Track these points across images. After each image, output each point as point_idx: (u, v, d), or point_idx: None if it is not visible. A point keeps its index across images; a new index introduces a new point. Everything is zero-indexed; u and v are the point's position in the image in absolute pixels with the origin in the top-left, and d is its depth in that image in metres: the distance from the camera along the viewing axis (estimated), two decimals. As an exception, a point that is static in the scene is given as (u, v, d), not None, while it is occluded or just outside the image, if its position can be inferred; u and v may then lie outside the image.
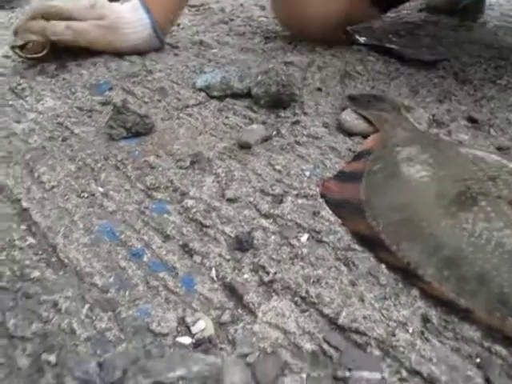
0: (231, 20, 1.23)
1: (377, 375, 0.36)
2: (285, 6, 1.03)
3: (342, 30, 1.07)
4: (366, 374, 0.37)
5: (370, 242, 0.47)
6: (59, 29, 0.85)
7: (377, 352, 0.39)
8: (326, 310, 0.42)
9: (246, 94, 0.76)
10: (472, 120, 0.74)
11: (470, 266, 0.41)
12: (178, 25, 1.17)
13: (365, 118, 0.66)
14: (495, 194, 0.45)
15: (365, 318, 0.41)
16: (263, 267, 0.46)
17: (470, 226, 0.43)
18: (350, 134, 0.67)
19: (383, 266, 0.46)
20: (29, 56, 0.87)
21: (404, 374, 0.37)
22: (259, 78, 0.72)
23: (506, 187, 0.46)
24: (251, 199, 0.54)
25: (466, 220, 0.43)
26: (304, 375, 0.38)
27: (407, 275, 0.44)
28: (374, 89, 0.82)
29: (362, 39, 1.07)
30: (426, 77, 0.88)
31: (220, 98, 0.77)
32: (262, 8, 1.36)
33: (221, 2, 1.42)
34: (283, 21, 1.08)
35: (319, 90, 0.81)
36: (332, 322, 0.41)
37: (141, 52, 0.94)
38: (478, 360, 0.38)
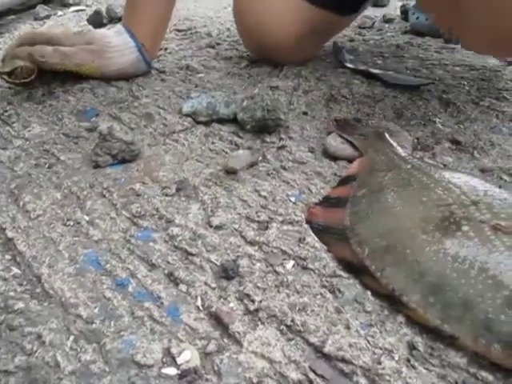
0: (218, 44, 1.24)
1: None
2: (245, 31, 1.04)
3: (317, 46, 1.09)
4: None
5: (355, 269, 0.47)
6: (47, 51, 0.85)
7: (363, 381, 0.39)
8: (312, 339, 0.42)
9: (232, 120, 0.76)
10: (456, 142, 0.75)
11: (455, 292, 0.41)
12: (165, 49, 1.19)
13: (350, 142, 0.67)
14: (478, 218, 0.46)
15: (351, 345, 0.41)
16: (248, 295, 0.46)
17: (453, 251, 0.43)
18: (335, 158, 0.67)
19: (369, 292, 0.46)
20: (17, 82, 0.88)
21: (392, 402, 0.37)
22: (245, 103, 0.72)
23: (488, 211, 0.47)
24: (236, 226, 0.54)
25: (450, 246, 0.44)
26: (291, 406, 0.38)
27: (392, 302, 0.44)
28: (359, 112, 0.83)
29: (348, 58, 1.09)
30: (410, 99, 0.90)
31: (206, 124, 0.77)
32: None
33: (207, 27, 1.44)
34: (251, 49, 1.09)
35: (305, 114, 0.82)
36: (318, 351, 0.41)
37: (128, 76, 0.94)
38: (463, 387, 0.38)
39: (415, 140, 0.73)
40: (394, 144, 0.64)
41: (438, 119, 0.83)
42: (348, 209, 0.53)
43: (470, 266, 0.42)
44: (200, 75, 1.00)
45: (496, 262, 0.42)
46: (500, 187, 0.53)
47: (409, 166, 0.57)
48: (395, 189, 0.53)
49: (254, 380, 0.39)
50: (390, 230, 0.48)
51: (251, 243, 0.52)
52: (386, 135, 0.66)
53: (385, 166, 0.58)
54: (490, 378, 0.39)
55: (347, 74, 1.01)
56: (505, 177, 0.66)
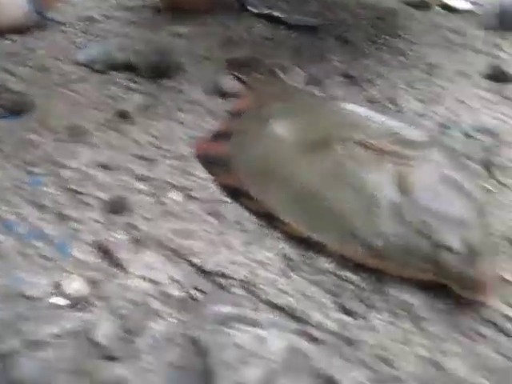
0: (121, -6, 1.20)
1: (236, 310, 0.39)
2: None
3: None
4: (228, 308, 0.39)
5: (237, 193, 0.50)
6: None
7: (240, 292, 0.42)
8: (195, 260, 0.45)
9: (129, 66, 0.76)
10: (348, 76, 0.79)
11: (322, 205, 0.45)
12: (67, 2, 1.15)
13: (242, 80, 0.69)
14: (348, 137, 0.49)
15: (231, 263, 0.45)
16: (135, 226, 0.48)
17: (323, 168, 0.47)
18: (228, 96, 0.69)
19: (249, 214, 0.49)
20: None
21: (262, 307, 0.41)
22: (139, 48, 0.72)
23: (363, 133, 0.50)
24: (127, 165, 0.56)
25: (321, 163, 0.47)
26: (172, 319, 0.40)
27: (270, 220, 0.47)
28: (257, 53, 0.84)
29: (252, 2, 1.09)
30: (309, 40, 0.92)
31: (103, 72, 0.77)
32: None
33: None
34: None
35: (205, 58, 0.82)
36: (200, 270, 0.44)
37: (22, 30, 0.91)
38: (332, 288, 0.42)
39: (308, 76, 0.76)
40: (285, 79, 0.66)
41: (334, 57, 0.85)
42: (233, 139, 0.55)
43: (336, 180, 0.45)
44: (101, 25, 0.98)
45: (360, 176, 0.45)
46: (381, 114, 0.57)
47: (295, 97, 0.60)
48: (279, 118, 0.56)
49: (139, 301, 0.41)
50: (268, 153, 0.51)
51: (141, 179, 0.54)
52: (277, 71, 0.69)
53: (272, 98, 0.61)
54: (355, 278, 0.43)
55: (250, 18, 1.01)
56: (389, 105, 0.70)
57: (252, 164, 0.50)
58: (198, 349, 0.35)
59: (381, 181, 0.44)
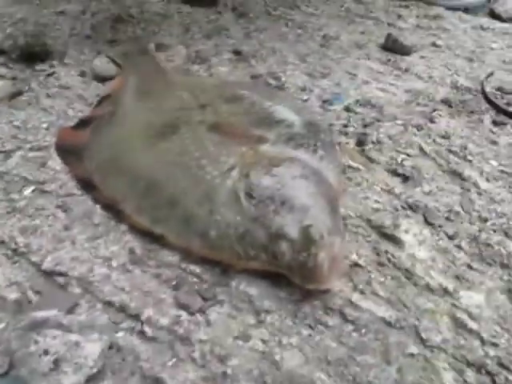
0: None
1: (54, 312, 0.37)
2: None
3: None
4: (53, 312, 0.37)
5: (86, 185, 0.47)
6: None
7: (77, 290, 0.40)
8: (34, 258, 0.42)
9: (1, 50, 0.71)
10: (237, 53, 0.76)
11: (162, 193, 0.42)
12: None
13: (115, 61, 0.66)
14: (198, 120, 0.47)
15: (73, 259, 0.42)
16: (-23, 226, 0.45)
17: (165, 154, 0.44)
18: (103, 79, 0.66)
19: (98, 206, 0.46)
20: None
21: (99, 306, 0.39)
22: (8, 30, 0.68)
23: (212, 113, 0.48)
24: (-22, 159, 0.52)
25: (163, 149, 0.45)
26: (3, 325, 0.38)
27: (115, 212, 0.45)
28: (144, 31, 0.81)
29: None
30: (203, 14, 0.89)
31: (-26, 57, 0.72)
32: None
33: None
34: None
35: (88, 37, 0.78)
36: (39, 269, 0.42)
37: None
38: (174, 282, 0.41)
39: (192, 54, 0.73)
40: (156, 59, 0.63)
41: (225, 32, 0.83)
42: (92, 127, 0.53)
43: (176, 166, 0.43)
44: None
45: (202, 162, 0.43)
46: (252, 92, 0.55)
47: (159, 79, 0.57)
48: (136, 101, 0.53)
49: (-29, 306, 0.39)
50: (116, 141, 0.48)
51: (-8, 174, 0.51)
52: (149, 51, 0.66)
53: (136, 80, 0.58)
54: (198, 270, 0.41)
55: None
56: (271, 81, 0.68)
57: (100, 153, 0.48)
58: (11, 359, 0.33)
59: (224, 166, 0.42)
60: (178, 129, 0.46)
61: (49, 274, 0.41)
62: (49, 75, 0.67)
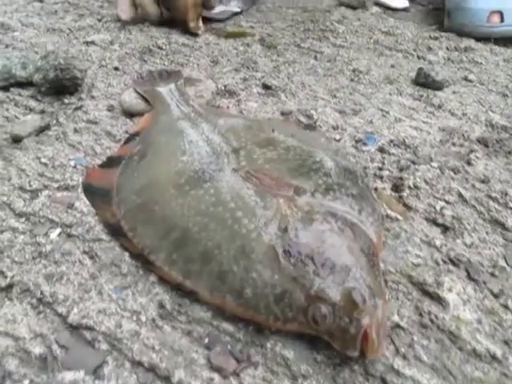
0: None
1: (81, 374, 0.35)
2: None
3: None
4: (80, 374, 0.36)
5: (114, 230, 0.46)
6: None
7: (104, 346, 0.38)
8: (60, 309, 0.41)
9: (31, 82, 0.71)
10: (266, 87, 0.75)
11: (195, 247, 0.40)
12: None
13: (143, 97, 0.65)
14: (232, 166, 0.45)
15: (99, 311, 0.40)
16: (2, 272, 0.43)
17: (197, 204, 0.42)
18: (131, 115, 0.65)
19: (126, 254, 0.45)
20: None
21: (127, 365, 0.37)
22: (39, 63, 0.68)
23: (246, 159, 0.46)
24: (5, 199, 0.51)
25: (195, 198, 0.43)
26: (26, 381, 0.36)
27: (144, 261, 0.43)
28: (172, 63, 0.80)
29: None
30: (231, 45, 0.88)
31: (4, 89, 0.72)
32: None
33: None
34: None
35: (116, 69, 0.78)
36: (65, 321, 0.40)
37: None
38: (206, 340, 0.38)
39: (222, 87, 0.72)
40: (186, 95, 0.62)
41: (253, 64, 0.82)
42: (121, 167, 0.51)
43: (210, 218, 0.41)
44: (14, 33, 0.93)
45: (236, 213, 0.41)
46: (273, 131, 0.53)
47: (189, 117, 0.56)
48: (166, 143, 0.51)
49: (-4, 358, 0.37)
50: (145, 186, 0.46)
51: (19, 215, 0.49)
52: (183, 85, 0.64)
53: (165, 119, 0.57)
54: (231, 328, 0.39)
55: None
56: (302, 118, 0.67)
57: (129, 198, 0.46)
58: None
59: (260, 220, 0.40)
60: (212, 176, 0.44)
61: (75, 328, 0.39)
62: (76, 109, 0.67)
